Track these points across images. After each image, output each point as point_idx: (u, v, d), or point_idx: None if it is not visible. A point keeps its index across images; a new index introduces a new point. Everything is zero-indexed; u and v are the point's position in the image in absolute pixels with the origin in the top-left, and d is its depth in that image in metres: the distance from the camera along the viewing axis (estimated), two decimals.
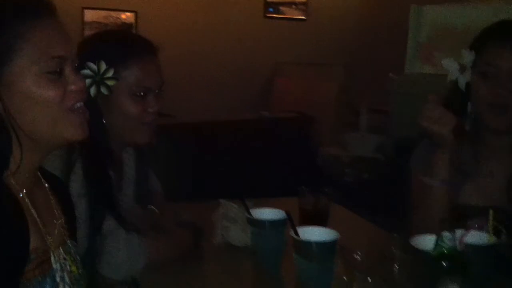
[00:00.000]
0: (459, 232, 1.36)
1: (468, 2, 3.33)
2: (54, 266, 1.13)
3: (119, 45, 1.58)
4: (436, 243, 1.26)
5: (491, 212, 1.41)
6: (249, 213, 1.52)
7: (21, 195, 1.11)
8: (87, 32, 4.89)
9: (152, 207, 1.67)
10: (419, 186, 1.68)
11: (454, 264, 1.24)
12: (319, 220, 1.63)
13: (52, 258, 1.13)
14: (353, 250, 1.35)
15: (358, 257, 1.37)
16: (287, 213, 1.38)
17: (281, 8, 6.10)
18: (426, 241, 1.32)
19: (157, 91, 1.58)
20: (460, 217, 1.59)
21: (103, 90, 1.49)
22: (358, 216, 1.99)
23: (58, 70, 1.09)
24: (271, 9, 6.06)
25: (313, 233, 1.34)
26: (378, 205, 3.49)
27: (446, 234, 1.24)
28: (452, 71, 1.68)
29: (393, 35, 4.45)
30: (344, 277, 1.25)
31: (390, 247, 1.44)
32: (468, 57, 1.66)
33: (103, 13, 5.36)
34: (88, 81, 1.45)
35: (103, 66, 1.48)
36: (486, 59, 1.65)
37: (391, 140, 3.43)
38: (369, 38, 5.78)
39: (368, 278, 1.24)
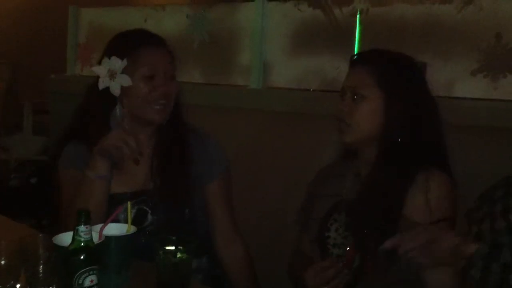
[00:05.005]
0: (98, 225, 1.44)
1: (123, 6, 3.49)
2: None
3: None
4: (73, 238, 1.31)
5: (129, 203, 1.52)
6: None
7: None
8: None
9: None
10: (72, 183, 1.72)
11: (91, 256, 1.30)
12: None
13: None
14: None
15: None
16: None
17: None
18: (67, 237, 1.36)
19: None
20: (110, 206, 1.65)
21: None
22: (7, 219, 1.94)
23: None
24: None
25: None
26: (43, 208, 3.42)
27: (81, 228, 1.29)
28: (103, 78, 1.74)
29: (56, 36, 4.38)
30: None
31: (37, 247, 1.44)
32: (118, 63, 1.73)
33: None
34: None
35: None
36: (143, 61, 1.75)
37: (53, 141, 3.39)
38: (34, 37, 5.59)
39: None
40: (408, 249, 1.36)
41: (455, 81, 2.07)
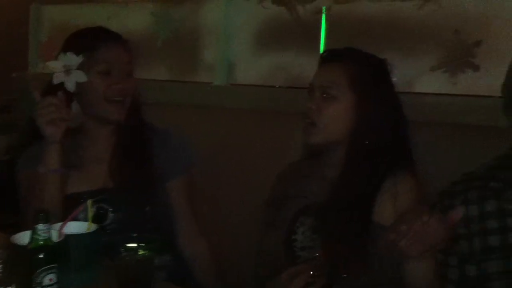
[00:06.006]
0: (57, 224, 1.43)
1: (86, 4, 3.45)
2: None
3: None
4: (31, 237, 1.29)
5: (89, 201, 1.51)
6: None
7: None
8: None
9: None
10: (30, 179, 1.70)
11: (50, 254, 1.29)
12: None
13: None
14: None
15: None
16: None
17: None
18: (26, 236, 1.35)
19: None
20: (70, 205, 1.65)
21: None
22: None
23: None
24: None
25: None
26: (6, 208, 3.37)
27: (40, 227, 1.28)
28: (58, 74, 1.73)
29: (18, 34, 4.31)
30: None
31: None
32: (74, 59, 1.73)
33: None
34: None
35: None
36: (99, 58, 1.75)
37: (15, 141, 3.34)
38: None
39: None
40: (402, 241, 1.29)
41: (416, 77, 2.09)
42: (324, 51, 1.73)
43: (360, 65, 1.63)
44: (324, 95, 1.61)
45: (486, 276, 1.36)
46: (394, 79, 1.73)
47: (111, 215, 1.74)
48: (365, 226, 1.53)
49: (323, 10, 2.34)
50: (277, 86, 2.53)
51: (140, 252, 1.40)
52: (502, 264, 1.34)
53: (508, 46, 1.86)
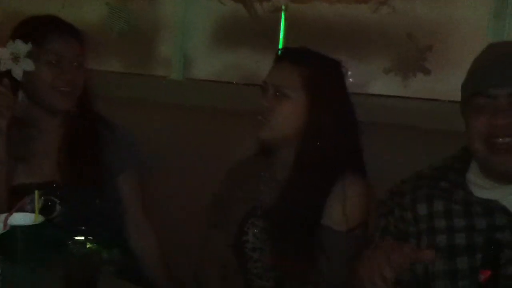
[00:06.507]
0: (2, 215, 1.39)
1: None
2: None
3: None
4: None
5: (36, 192, 1.48)
6: None
7: None
8: None
9: None
10: None
11: None
12: None
13: None
14: None
15: None
16: None
17: None
18: None
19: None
20: (17, 197, 1.61)
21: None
22: None
23: None
24: None
25: None
26: None
27: None
28: (5, 61, 1.69)
29: None
30: None
31: None
32: (22, 47, 1.69)
33: None
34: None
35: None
36: (48, 47, 1.73)
37: None
38: None
39: None
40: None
41: (369, 79, 2.13)
42: (280, 50, 1.73)
43: (315, 66, 1.64)
44: (278, 93, 1.62)
45: (433, 275, 1.38)
46: (348, 82, 1.75)
47: (59, 207, 1.71)
48: (314, 230, 1.53)
49: (283, 8, 2.35)
50: (234, 83, 2.53)
51: (88, 245, 1.38)
52: (448, 263, 1.37)
53: (458, 51, 1.91)
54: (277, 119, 1.61)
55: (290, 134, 1.61)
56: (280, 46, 2.34)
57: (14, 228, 1.39)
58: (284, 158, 1.64)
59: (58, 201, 1.71)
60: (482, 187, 1.40)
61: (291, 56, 1.68)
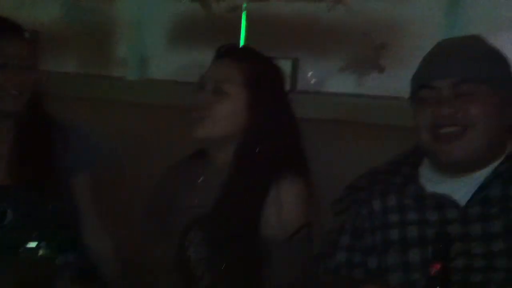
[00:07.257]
0: None
1: None
2: None
3: None
4: None
5: None
6: None
7: None
8: None
9: None
10: None
11: None
12: None
13: None
14: None
15: None
16: None
17: None
18: None
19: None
20: None
21: None
22: None
23: None
24: None
25: None
26: None
27: None
28: None
29: None
30: None
31: None
32: None
33: None
34: None
35: None
36: None
37: None
38: None
39: None
40: None
41: (325, 77, 2.14)
42: (221, 47, 1.67)
43: (256, 65, 1.61)
44: (216, 89, 1.57)
45: (386, 268, 1.40)
46: (305, 80, 1.76)
47: (10, 213, 1.67)
48: (254, 239, 1.48)
49: (244, 7, 2.35)
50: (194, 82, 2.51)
51: (41, 251, 1.36)
52: (400, 256, 1.39)
53: (411, 49, 1.94)
54: (214, 116, 1.55)
55: (227, 133, 1.56)
56: (241, 44, 2.34)
57: None
58: (220, 160, 1.58)
59: (10, 207, 1.67)
60: (433, 181, 1.42)
61: (232, 53, 1.65)
